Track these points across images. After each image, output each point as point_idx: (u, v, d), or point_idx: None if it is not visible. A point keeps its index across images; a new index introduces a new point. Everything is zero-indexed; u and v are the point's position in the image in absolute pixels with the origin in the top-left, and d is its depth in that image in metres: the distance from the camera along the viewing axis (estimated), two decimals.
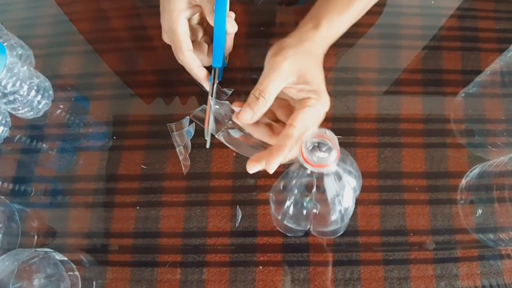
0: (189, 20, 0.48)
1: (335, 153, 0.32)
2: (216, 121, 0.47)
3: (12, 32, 0.57)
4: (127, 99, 0.57)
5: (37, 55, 0.59)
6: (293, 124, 0.40)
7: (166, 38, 0.48)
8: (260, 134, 0.44)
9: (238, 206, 0.51)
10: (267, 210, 0.51)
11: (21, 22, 0.63)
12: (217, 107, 0.46)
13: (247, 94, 0.43)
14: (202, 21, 0.50)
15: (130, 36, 0.63)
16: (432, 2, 0.61)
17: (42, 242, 0.51)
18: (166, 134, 0.54)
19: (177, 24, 0.45)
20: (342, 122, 0.55)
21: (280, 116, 0.46)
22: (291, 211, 0.41)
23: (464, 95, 0.56)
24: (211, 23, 0.47)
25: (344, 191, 0.39)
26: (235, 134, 0.46)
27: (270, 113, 0.46)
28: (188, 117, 0.53)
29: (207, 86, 0.48)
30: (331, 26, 0.45)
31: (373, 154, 0.53)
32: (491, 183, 0.48)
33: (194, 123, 0.52)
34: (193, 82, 0.56)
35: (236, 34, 0.60)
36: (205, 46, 0.49)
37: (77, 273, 0.49)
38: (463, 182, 0.52)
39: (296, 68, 0.41)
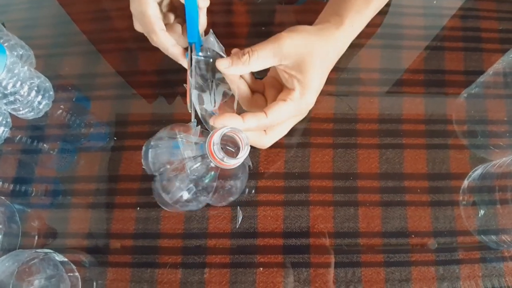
0: (160, 5, 0.47)
1: (244, 154, 0.37)
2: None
3: (12, 32, 0.57)
4: (128, 100, 0.57)
5: (38, 55, 0.59)
6: (267, 114, 0.40)
7: (138, 26, 0.47)
8: (241, 90, 0.43)
9: (238, 207, 0.51)
10: (268, 212, 0.51)
11: (21, 22, 0.63)
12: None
13: None
14: (173, 7, 0.49)
15: (131, 36, 0.62)
16: (435, 2, 0.61)
17: (42, 242, 0.51)
18: None
19: (147, 7, 0.44)
20: (343, 122, 0.55)
21: (268, 95, 0.44)
22: (185, 197, 0.42)
23: (467, 96, 0.56)
24: None
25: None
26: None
27: (260, 87, 0.45)
28: (195, 120, 0.53)
29: (184, 63, 0.47)
30: (353, 25, 0.43)
31: (374, 155, 0.53)
32: (493, 184, 0.48)
33: (200, 125, 0.52)
34: None
35: (237, 34, 0.60)
36: (179, 27, 0.48)
37: (77, 274, 0.49)
38: (465, 183, 0.52)
39: (296, 52, 0.39)
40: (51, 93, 0.57)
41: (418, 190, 0.51)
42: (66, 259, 0.49)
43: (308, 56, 0.40)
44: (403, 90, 0.56)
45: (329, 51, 0.42)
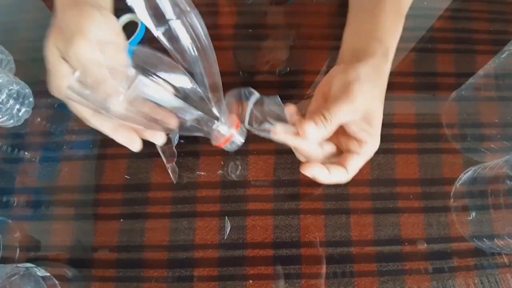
0: None
1: None
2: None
3: None
4: None
5: (17, 60, 0.57)
6: (347, 168, 0.39)
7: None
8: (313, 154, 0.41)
9: (226, 217, 0.50)
10: (257, 221, 0.50)
11: (0, 26, 0.61)
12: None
13: None
14: None
15: None
16: (425, 3, 0.60)
17: (24, 255, 0.49)
18: (151, 142, 0.52)
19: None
20: None
21: (342, 142, 0.42)
22: None
23: (457, 98, 0.55)
24: None
25: None
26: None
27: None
28: None
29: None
30: (393, 53, 0.42)
31: None
32: (485, 188, 0.47)
33: None
34: None
35: (226, 36, 0.59)
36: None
37: None
38: (456, 186, 0.51)
39: (365, 107, 0.38)
40: (31, 99, 0.55)
41: (411, 196, 0.51)
42: (48, 274, 0.47)
43: (374, 105, 0.39)
44: (394, 94, 0.55)
45: (384, 91, 0.41)
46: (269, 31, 0.59)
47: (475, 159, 0.53)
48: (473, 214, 0.49)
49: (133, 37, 0.57)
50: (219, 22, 0.60)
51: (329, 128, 0.38)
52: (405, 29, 0.58)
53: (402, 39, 0.57)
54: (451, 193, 0.51)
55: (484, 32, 0.59)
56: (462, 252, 0.49)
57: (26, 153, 0.54)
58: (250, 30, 0.59)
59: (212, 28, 0.59)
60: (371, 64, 0.40)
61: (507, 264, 0.48)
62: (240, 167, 0.52)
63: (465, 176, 0.52)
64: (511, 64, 0.50)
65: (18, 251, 0.50)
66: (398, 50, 0.57)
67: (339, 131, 0.40)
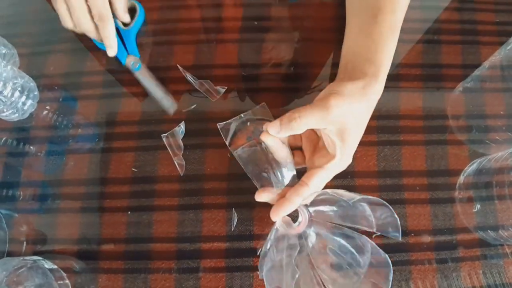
0: None
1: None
2: (237, 135, 0.47)
3: None
4: (116, 99, 0.55)
5: (21, 54, 0.57)
6: (308, 184, 0.41)
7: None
8: (280, 155, 0.44)
9: (233, 209, 0.50)
10: (263, 213, 0.50)
11: (3, 20, 0.60)
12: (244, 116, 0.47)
13: (240, 91, 0.41)
14: None
15: None
16: None
17: (31, 249, 0.49)
18: (158, 135, 0.52)
19: None
20: None
21: (304, 146, 0.46)
22: None
23: (462, 90, 0.55)
24: None
25: None
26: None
27: (298, 138, 0.46)
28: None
29: None
30: (386, 72, 0.43)
31: (372, 153, 0.52)
32: (490, 179, 0.47)
33: (184, 121, 0.51)
34: (184, 81, 0.54)
35: (230, 29, 0.58)
36: None
37: (67, 281, 0.47)
38: (461, 178, 0.51)
39: (342, 121, 0.40)
40: (36, 93, 0.55)
41: (417, 188, 0.51)
42: (55, 266, 0.47)
43: (352, 125, 0.40)
44: (401, 85, 0.55)
45: (370, 113, 0.43)
46: (273, 25, 0.59)
47: (480, 151, 0.52)
48: (478, 205, 0.49)
49: (134, 21, 0.56)
50: (223, 14, 0.60)
51: (296, 125, 0.39)
52: (411, 20, 0.58)
53: (408, 31, 0.57)
54: (457, 185, 0.51)
55: (490, 23, 0.58)
56: (467, 243, 0.49)
57: (31, 147, 0.54)
58: (256, 23, 0.58)
59: (216, 21, 0.59)
60: (357, 84, 0.41)
61: (510, 255, 0.49)
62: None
63: (470, 168, 0.51)
64: None
65: (24, 244, 0.50)
66: (404, 41, 0.57)
67: (311, 150, 0.44)
